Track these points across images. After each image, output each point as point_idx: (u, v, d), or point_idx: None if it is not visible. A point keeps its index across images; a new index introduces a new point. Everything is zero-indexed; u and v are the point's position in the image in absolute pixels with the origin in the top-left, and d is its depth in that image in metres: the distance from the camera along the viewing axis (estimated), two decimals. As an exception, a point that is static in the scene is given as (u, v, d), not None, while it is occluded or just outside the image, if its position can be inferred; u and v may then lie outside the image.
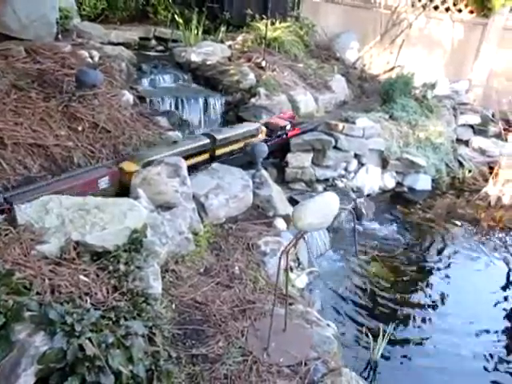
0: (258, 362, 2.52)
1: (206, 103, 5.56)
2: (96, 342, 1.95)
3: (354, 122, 5.53)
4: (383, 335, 3.25)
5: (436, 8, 8.51)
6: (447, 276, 4.46)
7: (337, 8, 8.59)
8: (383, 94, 6.67)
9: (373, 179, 5.64)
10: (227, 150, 4.50)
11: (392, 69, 8.26)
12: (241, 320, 2.81)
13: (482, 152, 6.83)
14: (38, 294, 2.14)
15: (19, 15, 4.88)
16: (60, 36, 5.17)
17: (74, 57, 4.74)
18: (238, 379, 2.41)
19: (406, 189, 6.00)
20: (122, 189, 3.46)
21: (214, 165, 3.97)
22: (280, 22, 7.47)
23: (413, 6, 8.46)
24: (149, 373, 2.16)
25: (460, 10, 8.42)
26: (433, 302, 4.07)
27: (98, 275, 2.38)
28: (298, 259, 3.85)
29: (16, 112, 3.53)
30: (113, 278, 2.38)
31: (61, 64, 4.43)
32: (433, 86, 7.54)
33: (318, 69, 7.23)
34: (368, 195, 5.57)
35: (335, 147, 5.18)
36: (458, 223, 5.38)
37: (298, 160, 5.03)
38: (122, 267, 2.40)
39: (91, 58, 4.98)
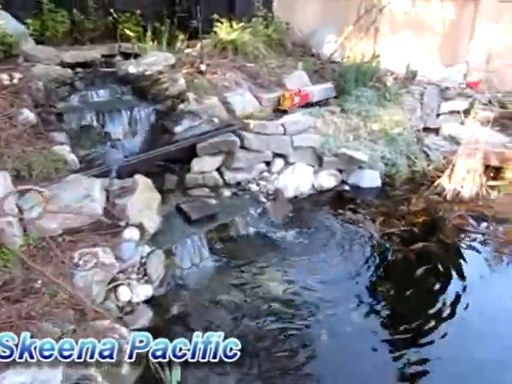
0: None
1: (131, 114, 5.54)
2: None
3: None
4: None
5: (421, -12, 7.77)
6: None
7: (313, 2, 8.13)
8: (336, 87, 6.20)
9: (300, 179, 5.19)
10: None
11: (375, 57, 7.64)
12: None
13: (452, 139, 6.02)
14: None
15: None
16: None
17: (-10, 80, 5.03)
18: None
19: (347, 187, 5.45)
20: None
21: (70, 177, 3.95)
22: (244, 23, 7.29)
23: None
24: None
25: (448, -13, 7.61)
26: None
27: None
28: (144, 271, 3.68)
29: None
30: None
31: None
32: (413, 73, 6.92)
33: (278, 67, 6.91)
34: (295, 197, 5.16)
35: (243, 147, 4.90)
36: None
37: (201, 165, 4.83)
38: None
39: (10, 80, 5.24)
